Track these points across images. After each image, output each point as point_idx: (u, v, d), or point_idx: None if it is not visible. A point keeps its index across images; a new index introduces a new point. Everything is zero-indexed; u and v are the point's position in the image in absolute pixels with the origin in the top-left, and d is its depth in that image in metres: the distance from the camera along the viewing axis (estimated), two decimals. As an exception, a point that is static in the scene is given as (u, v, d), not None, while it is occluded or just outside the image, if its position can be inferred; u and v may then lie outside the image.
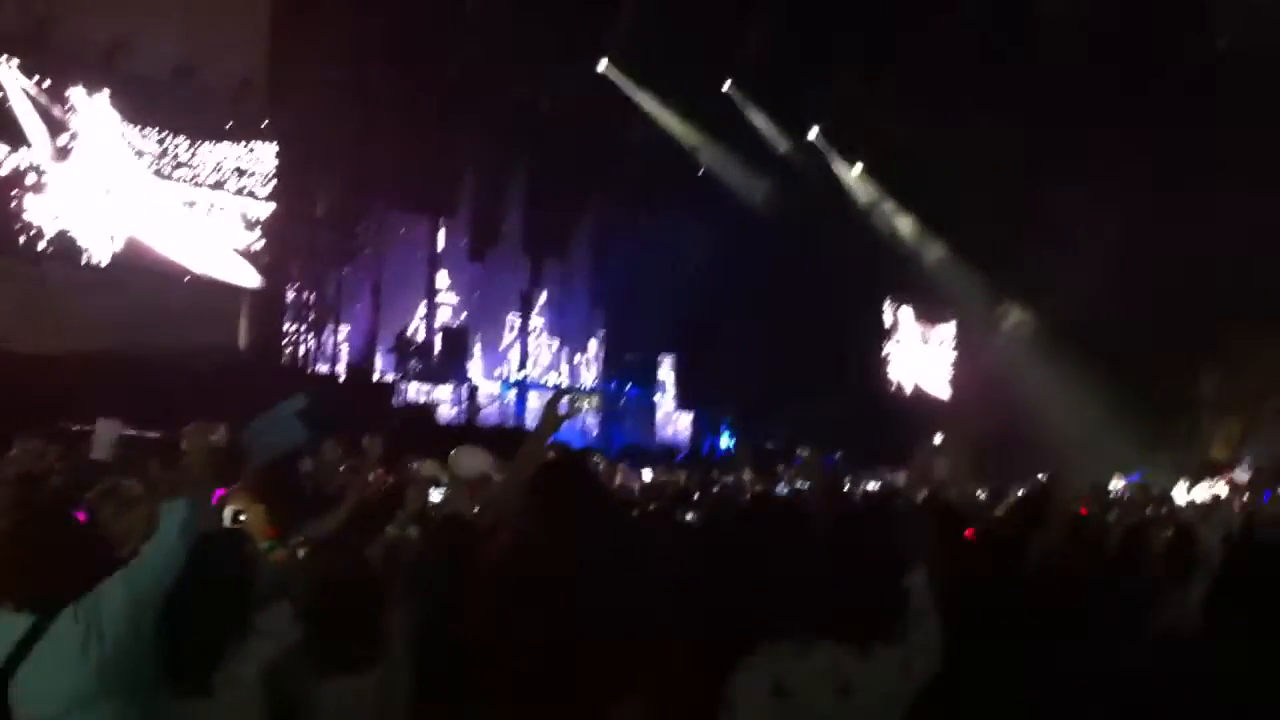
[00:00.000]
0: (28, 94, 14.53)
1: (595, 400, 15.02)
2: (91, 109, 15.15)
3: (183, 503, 3.40)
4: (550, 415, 4.17)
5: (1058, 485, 5.04)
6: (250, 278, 16.85)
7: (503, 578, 3.48)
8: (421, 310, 20.56)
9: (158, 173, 15.86)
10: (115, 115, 15.37)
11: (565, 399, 4.30)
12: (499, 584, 3.47)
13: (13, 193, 14.49)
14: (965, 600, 3.95)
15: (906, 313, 27.78)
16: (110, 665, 3.20)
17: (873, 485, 12.46)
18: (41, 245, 14.72)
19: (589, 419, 21.08)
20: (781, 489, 9.74)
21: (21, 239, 14.60)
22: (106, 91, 15.20)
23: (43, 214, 14.73)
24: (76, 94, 14.99)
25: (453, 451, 6.30)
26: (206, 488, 3.72)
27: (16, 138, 14.51)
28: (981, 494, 9.75)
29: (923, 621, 3.57)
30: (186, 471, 3.63)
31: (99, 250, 15.18)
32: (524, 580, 3.37)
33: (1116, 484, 14.64)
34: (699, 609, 3.77)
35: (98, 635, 3.18)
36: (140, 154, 15.68)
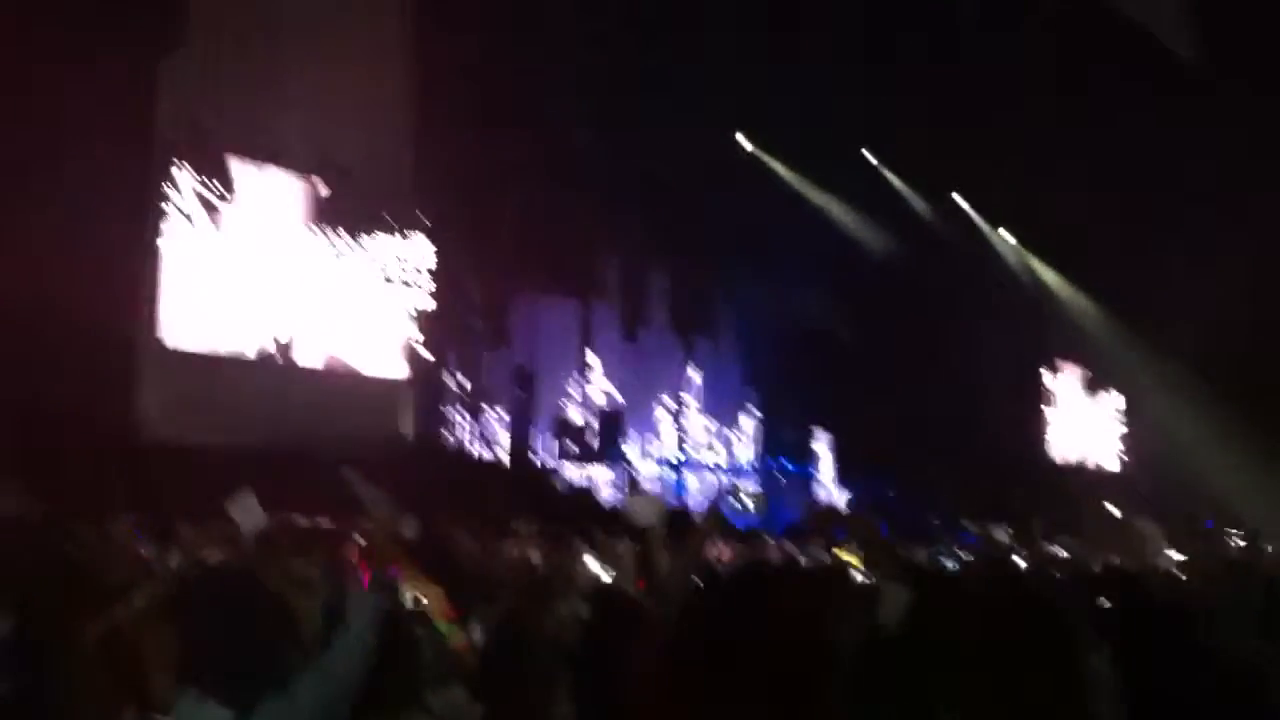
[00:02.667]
0: (198, 195, 15.20)
1: (761, 501, 14.87)
2: (255, 206, 15.77)
3: (373, 598, 3.42)
4: (714, 515, 4.09)
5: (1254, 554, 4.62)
6: (401, 369, 17.21)
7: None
8: (576, 392, 20.79)
9: (320, 266, 16.41)
10: (279, 211, 15.97)
11: (730, 498, 4.23)
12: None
13: (182, 289, 15.08)
14: (1154, 682, 3.68)
15: (1067, 380, 27.02)
16: None
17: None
18: (207, 339, 15.20)
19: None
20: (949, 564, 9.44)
21: (187, 332, 15.11)
22: (270, 189, 15.83)
23: (209, 309, 15.29)
24: (243, 192, 15.63)
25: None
26: (391, 579, 3.74)
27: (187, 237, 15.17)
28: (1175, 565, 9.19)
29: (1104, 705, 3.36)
30: (374, 561, 3.66)
31: (264, 343, 15.69)
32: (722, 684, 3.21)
33: None
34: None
35: None
36: (304, 248, 16.24)
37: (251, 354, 15.56)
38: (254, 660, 3.24)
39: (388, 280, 17.10)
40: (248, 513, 6.96)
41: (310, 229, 16.38)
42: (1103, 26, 18.63)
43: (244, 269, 15.62)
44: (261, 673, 3.20)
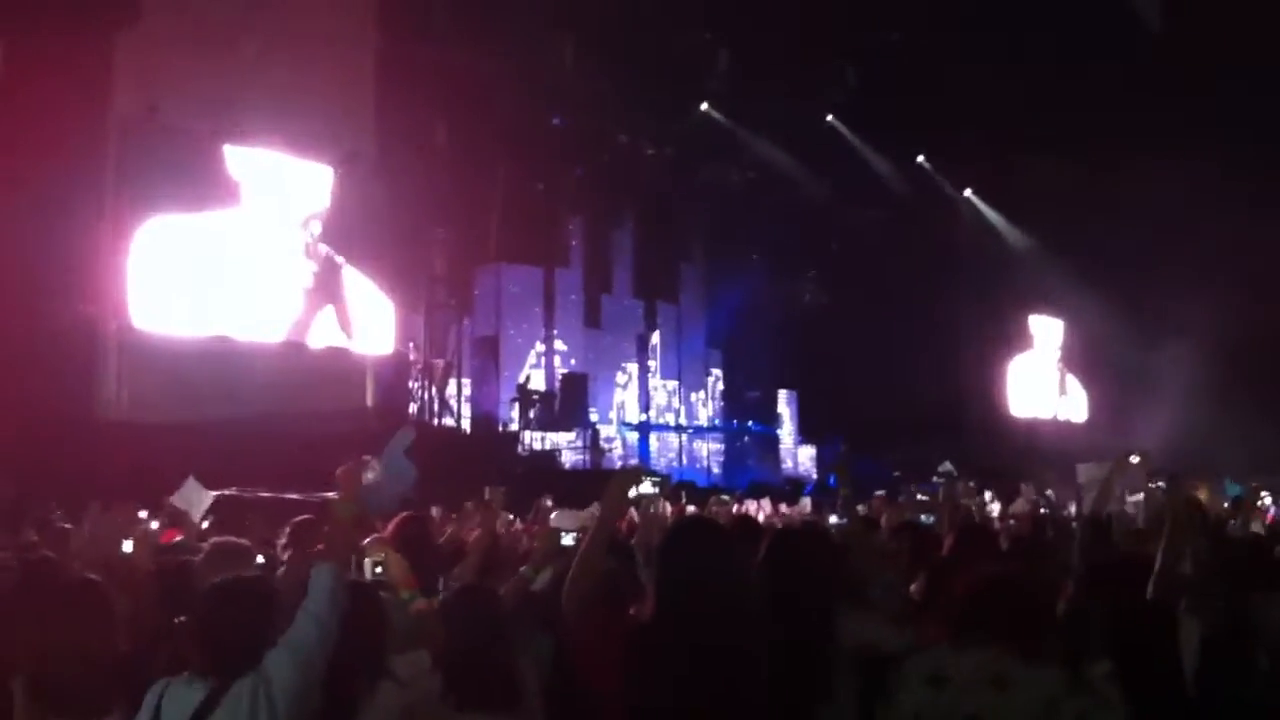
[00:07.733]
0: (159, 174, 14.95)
1: (664, 484, 15.16)
2: (215, 184, 15.46)
3: (328, 570, 3.46)
4: (616, 494, 4.07)
5: (1175, 492, 4.78)
6: (364, 343, 17.09)
7: (643, 641, 3.46)
8: (539, 359, 20.87)
9: (281, 244, 16.21)
10: (239, 190, 15.72)
11: (635, 482, 4.21)
12: (638, 647, 3.45)
13: (146, 271, 14.88)
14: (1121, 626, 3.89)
15: (1034, 332, 27.20)
16: None
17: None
18: (171, 321, 14.95)
19: (710, 459, 21.26)
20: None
21: (151, 315, 14.87)
22: (228, 167, 15.62)
23: (173, 291, 15.03)
24: (202, 170, 15.34)
25: (555, 514, 6.44)
26: (351, 547, 3.75)
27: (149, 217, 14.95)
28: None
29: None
30: (336, 524, 3.67)
31: (227, 323, 15.44)
32: (663, 645, 3.36)
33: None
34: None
35: (268, 706, 3.25)
36: (265, 227, 16.05)
37: (214, 334, 15.24)
38: (234, 641, 3.36)
39: (346, 258, 16.86)
40: (194, 498, 7.03)
41: (270, 208, 16.15)
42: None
43: (206, 250, 15.30)
44: (242, 652, 3.33)
